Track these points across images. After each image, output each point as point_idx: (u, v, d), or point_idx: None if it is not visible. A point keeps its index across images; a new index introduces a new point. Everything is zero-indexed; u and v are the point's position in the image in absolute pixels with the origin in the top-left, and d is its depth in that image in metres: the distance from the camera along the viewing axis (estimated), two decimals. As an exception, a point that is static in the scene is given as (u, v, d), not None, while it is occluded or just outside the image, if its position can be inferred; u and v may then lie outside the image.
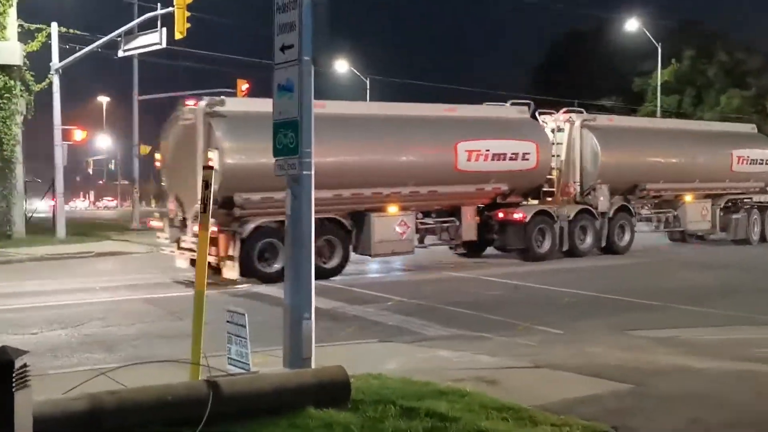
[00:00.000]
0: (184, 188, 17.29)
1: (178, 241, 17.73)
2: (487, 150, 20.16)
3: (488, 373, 7.88)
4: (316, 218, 16.54)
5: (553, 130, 22.74)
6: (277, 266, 16.55)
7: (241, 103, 18.24)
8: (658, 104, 52.99)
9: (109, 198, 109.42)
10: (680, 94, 55.66)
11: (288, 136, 7.01)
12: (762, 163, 26.88)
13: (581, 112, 23.52)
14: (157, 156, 18.35)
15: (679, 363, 8.44)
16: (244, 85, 43.83)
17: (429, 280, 17.08)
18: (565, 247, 21.76)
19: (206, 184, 6.65)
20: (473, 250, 21.89)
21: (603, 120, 23.76)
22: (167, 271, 18.82)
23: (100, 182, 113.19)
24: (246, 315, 6.33)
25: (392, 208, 18.86)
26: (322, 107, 17.97)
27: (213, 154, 16.23)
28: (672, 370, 8.13)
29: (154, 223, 19.37)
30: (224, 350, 6.65)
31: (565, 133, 22.79)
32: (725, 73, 54.29)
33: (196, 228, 16.42)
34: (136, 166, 40.98)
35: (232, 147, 16.26)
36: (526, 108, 21.95)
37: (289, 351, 6.93)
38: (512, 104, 22.16)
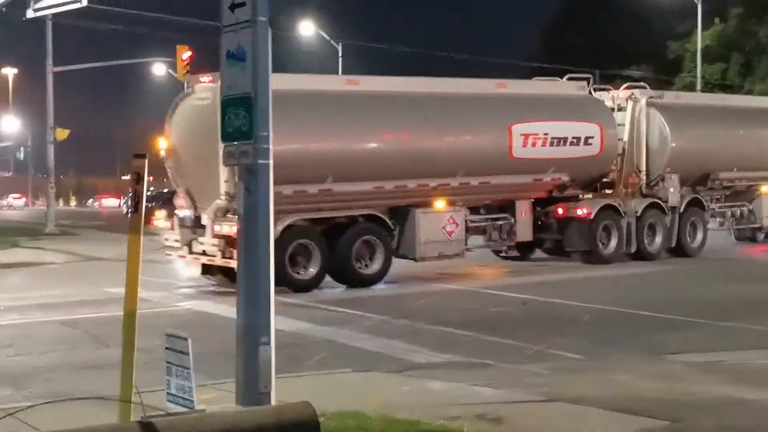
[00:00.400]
0: (197, 181, 18.05)
1: (189, 244, 18.15)
2: (545, 134, 20.81)
3: (490, 409, 7.90)
4: (354, 215, 17.58)
5: (611, 110, 22.97)
6: (312, 271, 17.83)
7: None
8: (698, 74, 53.28)
9: (16, 195, 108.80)
10: (725, 61, 55.97)
11: (240, 116, 6.98)
12: None
13: (645, 87, 24.03)
14: (162, 144, 19.27)
15: (725, 393, 8.51)
16: (185, 54, 43.88)
17: (418, 294, 17.12)
18: (633, 248, 22.24)
19: (137, 178, 6.62)
20: (522, 252, 22.53)
21: (671, 97, 24.24)
22: (97, 284, 18.77)
23: (6, 175, 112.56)
24: (189, 340, 6.30)
25: (439, 203, 19.52)
26: (355, 84, 19.10)
27: None
28: (717, 402, 8.20)
29: (159, 223, 19.51)
30: (162, 384, 6.62)
31: (627, 113, 23.01)
32: (781, 35, 54.65)
33: (218, 227, 17.26)
34: (51, 155, 40.75)
35: None
36: (584, 84, 22.62)
37: (242, 384, 6.91)
38: (569, 79, 22.97)
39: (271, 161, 7.11)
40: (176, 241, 18.43)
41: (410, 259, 19.32)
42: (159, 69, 54.12)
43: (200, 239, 17.86)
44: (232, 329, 7.14)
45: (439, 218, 19.40)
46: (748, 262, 23.12)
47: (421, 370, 10.19)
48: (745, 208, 26.02)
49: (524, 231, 21.16)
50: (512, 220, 20.94)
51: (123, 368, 6.51)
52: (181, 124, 18.45)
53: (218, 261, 17.43)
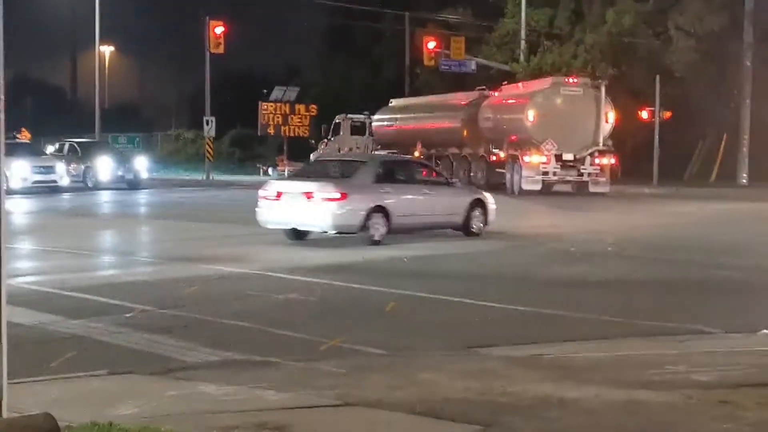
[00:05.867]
0: (563, 134, 40.15)
1: (554, 171, 40.27)
2: None
3: (274, 417, 7.94)
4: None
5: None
6: None
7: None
8: (522, 20, 54.98)
9: None
10: (553, 6, 57.89)
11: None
12: None
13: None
14: (530, 114, 40.93)
15: (546, 392, 8.86)
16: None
17: (189, 279, 16.95)
18: None
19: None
20: None
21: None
22: None
23: None
24: None
25: None
26: None
27: (611, 114, 41.27)
28: (537, 402, 8.52)
29: (534, 159, 40.01)
30: None
31: None
32: (614, -21, 56.91)
33: (598, 160, 40.94)
34: None
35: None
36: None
37: (-33, 393, 6.79)
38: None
39: (3, 115, 6.89)
40: (555, 168, 40.20)
41: None
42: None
43: (582, 167, 40.49)
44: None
45: None
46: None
47: (191, 371, 10.13)
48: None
49: None
50: None
51: None
52: (551, 103, 41.20)
53: (585, 178, 40.69)
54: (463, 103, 48.19)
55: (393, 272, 17.85)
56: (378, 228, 21.54)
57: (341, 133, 55.23)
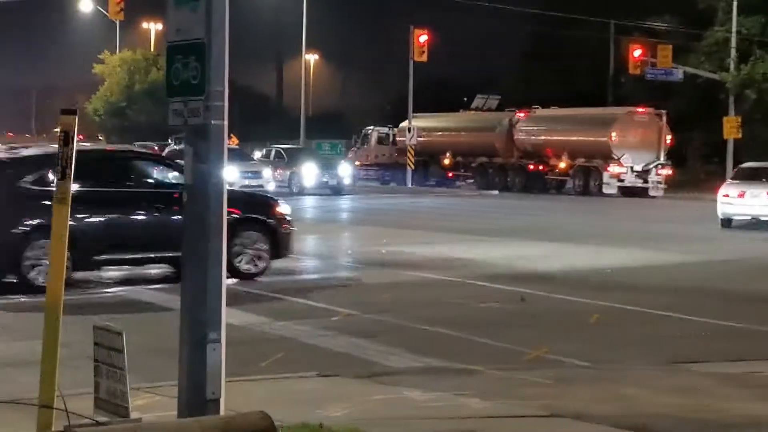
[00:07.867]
0: (635, 153, 49.34)
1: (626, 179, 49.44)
2: None
3: (479, 425, 7.97)
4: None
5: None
6: None
7: None
8: (734, 28, 53.45)
9: None
10: (766, 13, 56.10)
11: (189, 66, 6.93)
12: None
13: None
14: (613, 134, 49.67)
15: (761, 412, 8.60)
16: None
17: (394, 284, 17.19)
18: None
19: (66, 137, 6.61)
20: None
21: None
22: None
23: None
24: (123, 335, 6.30)
25: None
26: None
27: (669, 137, 51.07)
28: (750, 421, 8.28)
29: (613, 169, 49.18)
30: (90, 387, 6.63)
31: None
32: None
33: (662, 171, 50.48)
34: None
35: None
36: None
37: (186, 389, 6.91)
38: None
39: (225, 122, 7.09)
40: (629, 177, 48.79)
41: None
42: (86, 5, 53.95)
43: (649, 177, 49.32)
44: (172, 321, 7.12)
45: None
46: None
47: (395, 375, 10.25)
48: None
49: None
50: None
51: (43, 367, 6.49)
52: (628, 127, 50.49)
53: (648, 185, 49.82)
54: (496, 119, 56.88)
55: (596, 283, 17.64)
56: None
57: (370, 142, 62.53)
